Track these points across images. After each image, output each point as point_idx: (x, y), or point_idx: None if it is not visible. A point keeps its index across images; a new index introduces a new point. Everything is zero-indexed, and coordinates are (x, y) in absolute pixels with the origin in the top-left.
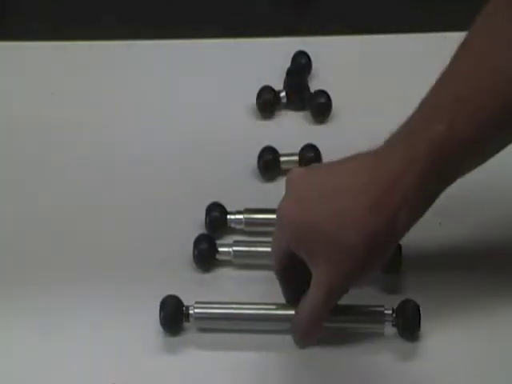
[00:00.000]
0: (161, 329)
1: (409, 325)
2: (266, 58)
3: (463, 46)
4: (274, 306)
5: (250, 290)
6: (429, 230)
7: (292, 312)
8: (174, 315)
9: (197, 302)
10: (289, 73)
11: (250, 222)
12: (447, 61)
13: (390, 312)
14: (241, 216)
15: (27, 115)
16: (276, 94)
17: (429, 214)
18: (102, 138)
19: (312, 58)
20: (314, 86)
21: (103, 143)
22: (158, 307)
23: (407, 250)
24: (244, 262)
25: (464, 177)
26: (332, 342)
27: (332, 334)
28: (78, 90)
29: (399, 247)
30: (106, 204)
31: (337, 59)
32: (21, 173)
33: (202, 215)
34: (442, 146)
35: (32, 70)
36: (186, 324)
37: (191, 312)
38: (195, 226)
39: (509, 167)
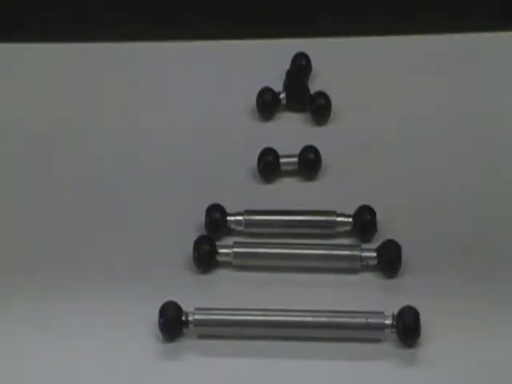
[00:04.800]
0: (160, 334)
1: (409, 331)
2: (265, 59)
3: None
4: (274, 312)
5: (250, 291)
6: (429, 230)
7: (292, 318)
8: (173, 321)
9: (196, 309)
10: (289, 74)
11: (249, 224)
12: (447, 61)
13: (390, 318)
14: (241, 217)
15: (27, 116)
16: (276, 95)
17: (429, 214)
18: (101, 139)
19: (312, 60)
20: (313, 87)
21: (102, 144)
22: (158, 309)
23: (407, 250)
24: (244, 263)
25: (464, 176)
26: (331, 348)
27: (332, 340)
28: (78, 90)
29: (399, 248)
30: (105, 205)
31: (337, 61)
32: (18, 174)
33: (201, 216)
34: None
35: (32, 71)
36: (185, 330)
37: (190, 318)
38: (195, 227)
39: (509, 167)
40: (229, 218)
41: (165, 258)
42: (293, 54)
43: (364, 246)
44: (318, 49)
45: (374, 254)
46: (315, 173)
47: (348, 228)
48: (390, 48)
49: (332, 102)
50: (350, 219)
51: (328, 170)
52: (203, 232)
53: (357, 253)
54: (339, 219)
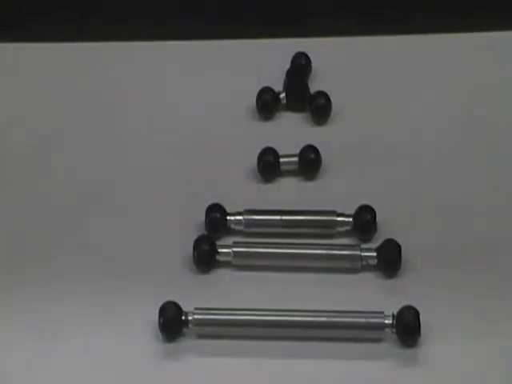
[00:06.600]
0: (159, 334)
1: (409, 331)
2: (265, 59)
3: None
4: (274, 312)
5: (250, 291)
6: (429, 230)
7: (292, 318)
8: (173, 321)
9: (196, 308)
10: (289, 74)
11: (249, 223)
12: (447, 61)
13: (390, 318)
14: (240, 217)
15: (26, 115)
16: (276, 95)
17: (429, 214)
18: (102, 139)
19: (312, 59)
20: (313, 87)
21: (103, 144)
22: (158, 309)
23: (407, 250)
24: (244, 262)
25: (464, 176)
26: (331, 348)
27: (332, 340)
28: (78, 89)
29: (399, 247)
30: (105, 204)
31: (337, 60)
32: (18, 173)
33: (201, 216)
34: None
35: (32, 71)
36: (185, 330)
37: (190, 318)
38: (195, 227)
39: (509, 167)
40: (229, 217)
41: (165, 258)
42: (293, 53)
43: (364, 245)
44: (318, 48)
45: (374, 254)
46: (315, 172)
47: (348, 228)
48: (390, 48)
49: (332, 102)
50: (350, 219)
51: (328, 170)
52: (203, 232)
53: (357, 252)
54: (339, 219)
